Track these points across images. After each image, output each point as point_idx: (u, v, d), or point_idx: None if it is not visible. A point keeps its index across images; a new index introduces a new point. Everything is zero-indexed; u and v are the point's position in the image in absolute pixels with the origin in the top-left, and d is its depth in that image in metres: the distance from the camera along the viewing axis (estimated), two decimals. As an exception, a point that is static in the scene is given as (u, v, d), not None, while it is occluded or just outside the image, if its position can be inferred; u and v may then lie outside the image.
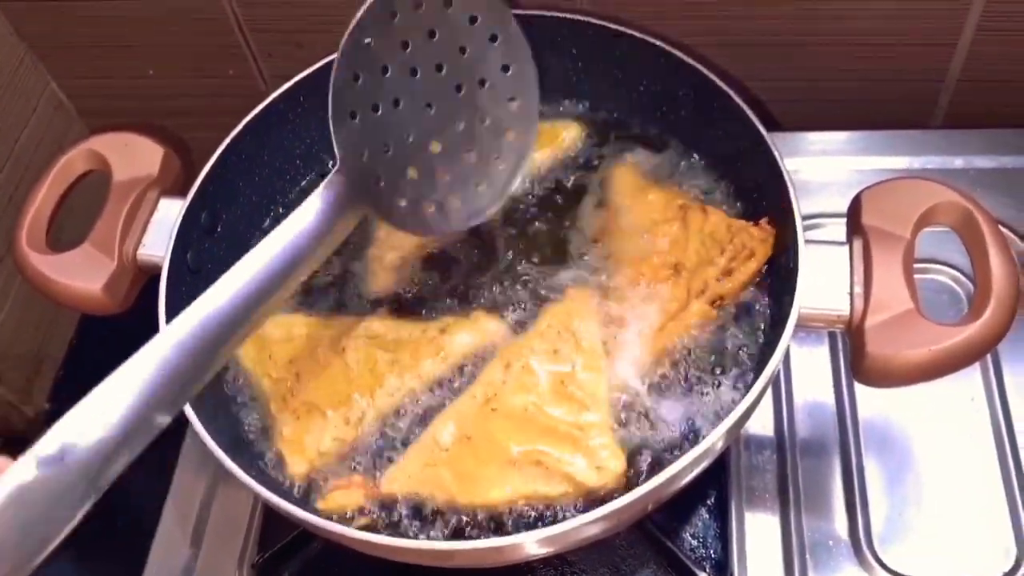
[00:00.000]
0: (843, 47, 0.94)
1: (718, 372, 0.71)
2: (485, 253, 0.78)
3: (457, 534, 0.66)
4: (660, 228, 0.75)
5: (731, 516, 0.76)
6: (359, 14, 0.59)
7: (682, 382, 0.71)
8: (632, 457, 0.68)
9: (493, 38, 0.66)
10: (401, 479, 0.68)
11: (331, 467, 0.70)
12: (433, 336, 0.73)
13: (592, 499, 0.66)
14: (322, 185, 0.59)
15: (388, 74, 0.62)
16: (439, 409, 0.70)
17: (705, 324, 0.72)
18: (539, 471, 0.67)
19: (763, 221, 0.74)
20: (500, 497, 0.67)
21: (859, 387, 0.81)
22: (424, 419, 0.70)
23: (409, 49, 0.62)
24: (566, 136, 0.84)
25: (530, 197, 0.81)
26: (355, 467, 0.70)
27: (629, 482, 0.66)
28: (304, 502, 0.69)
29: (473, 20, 0.64)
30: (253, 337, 0.71)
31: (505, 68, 0.67)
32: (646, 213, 0.77)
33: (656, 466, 0.67)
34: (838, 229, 0.72)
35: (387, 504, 0.68)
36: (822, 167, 0.95)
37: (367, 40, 0.60)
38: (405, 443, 0.70)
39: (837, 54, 0.94)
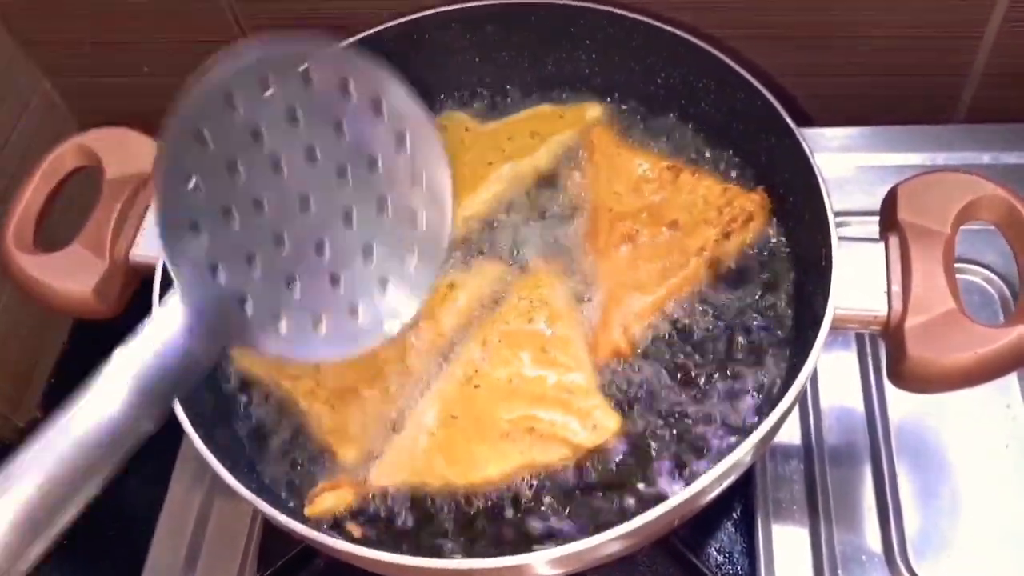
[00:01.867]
0: (866, 40, 0.91)
1: (744, 378, 0.68)
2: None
3: (465, 527, 0.64)
4: (649, 186, 0.73)
5: (758, 530, 0.73)
6: (182, 102, 0.49)
7: (702, 384, 0.68)
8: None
9: (375, 107, 0.53)
10: (390, 471, 0.65)
11: (380, 442, 0.67)
12: (444, 293, 0.71)
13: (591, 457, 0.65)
14: (159, 312, 0.50)
15: (238, 172, 0.51)
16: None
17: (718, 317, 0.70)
18: (533, 439, 0.64)
19: (759, 189, 0.72)
20: (498, 471, 0.64)
21: (890, 392, 0.78)
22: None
23: (264, 138, 0.52)
24: (590, 116, 0.81)
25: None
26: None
27: (630, 437, 0.65)
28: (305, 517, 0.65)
29: (344, 88, 0.52)
30: None
31: (399, 140, 0.54)
32: (633, 172, 0.75)
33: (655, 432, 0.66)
34: (862, 227, 0.69)
35: (382, 502, 0.65)
36: (843, 163, 0.93)
37: (200, 131, 0.50)
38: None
39: (859, 48, 0.91)
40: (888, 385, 0.75)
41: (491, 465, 0.64)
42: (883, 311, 0.62)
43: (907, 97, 0.96)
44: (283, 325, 0.53)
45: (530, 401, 0.66)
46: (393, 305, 0.55)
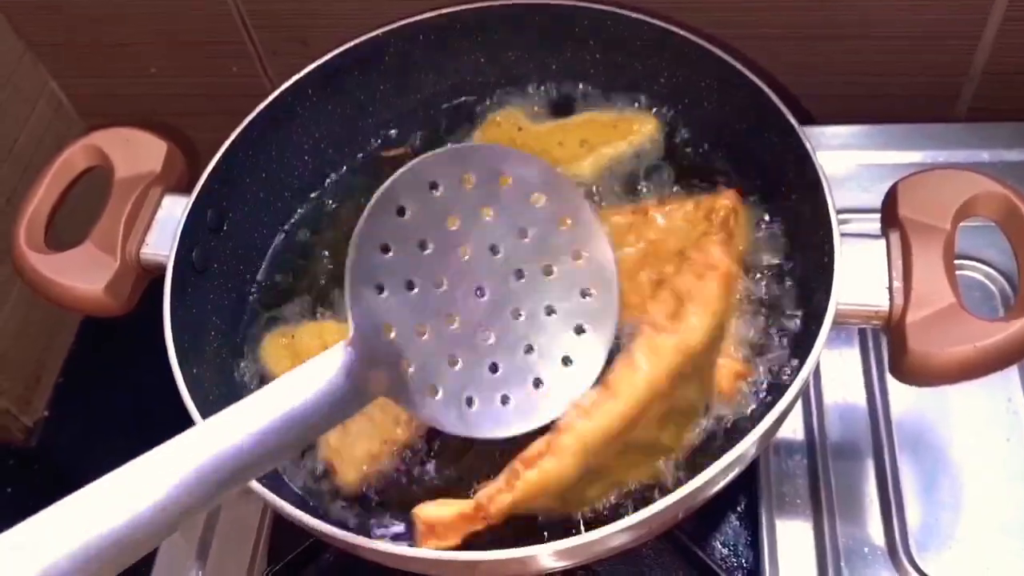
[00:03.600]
0: (864, 39, 0.91)
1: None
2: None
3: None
4: (632, 236, 0.72)
5: (762, 523, 0.73)
6: (395, 176, 0.55)
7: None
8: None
9: (562, 221, 0.60)
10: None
11: (382, 471, 0.68)
12: None
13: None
14: (329, 351, 0.53)
15: (427, 251, 0.57)
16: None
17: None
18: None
19: (721, 187, 0.73)
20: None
21: (892, 387, 0.79)
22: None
23: (456, 224, 0.58)
24: (642, 128, 0.80)
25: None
26: (403, 472, 0.67)
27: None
28: (316, 510, 0.66)
29: (533, 198, 0.59)
30: (284, 349, 0.73)
31: (576, 256, 0.61)
32: (610, 231, 0.70)
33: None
34: (864, 225, 0.70)
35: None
36: (843, 161, 0.93)
37: (402, 204, 0.56)
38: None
39: (857, 46, 0.92)
40: (890, 380, 0.77)
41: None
42: (885, 306, 0.63)
43: (907, 96, 0.96)
44: (437, 394, 0.59)
45: None
46: (536, 404, 0.61)
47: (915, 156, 0.92)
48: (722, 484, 0.60)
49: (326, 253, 0.79)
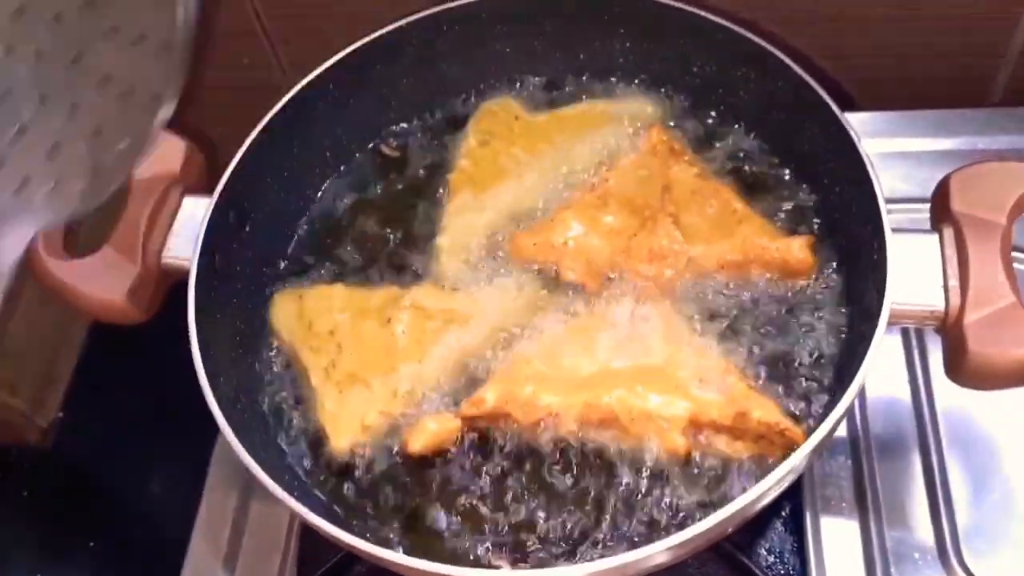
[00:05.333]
0: (898, 23, 0.88)
1: (796, 378, 0.66)
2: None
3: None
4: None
5: (807, 528, 0.71)
6: None
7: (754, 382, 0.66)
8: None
9: None
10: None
11: (378, 441, 0.67)
12: (483, 303, 0.71)
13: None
14: None
15: None
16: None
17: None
18: None
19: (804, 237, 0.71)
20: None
21: (937, 383, 0.76)
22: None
23: None
24: (642, 114, 0.79)
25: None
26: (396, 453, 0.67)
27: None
28: (344, 522, 0.64)
29: None
30: (292, 307, 0.72)
31: None
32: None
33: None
34: (899, 216, 0.66)
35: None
36: (876, 149, 0.89)
37: None
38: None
39: (890, 28, 0.89)
40: (936, 375, 0.76)
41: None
42: (940, 306, 0.60)
43: (941, 79, 0.93)
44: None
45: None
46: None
47: (951, 143, 0.89)
48: (771, 497, 0.58)
49: (349, 248, 0.77)
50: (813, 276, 0.69)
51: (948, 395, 0.76)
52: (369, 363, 0.69)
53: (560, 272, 0.72)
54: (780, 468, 0.55)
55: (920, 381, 0.77)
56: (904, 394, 0.77)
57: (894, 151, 0.90)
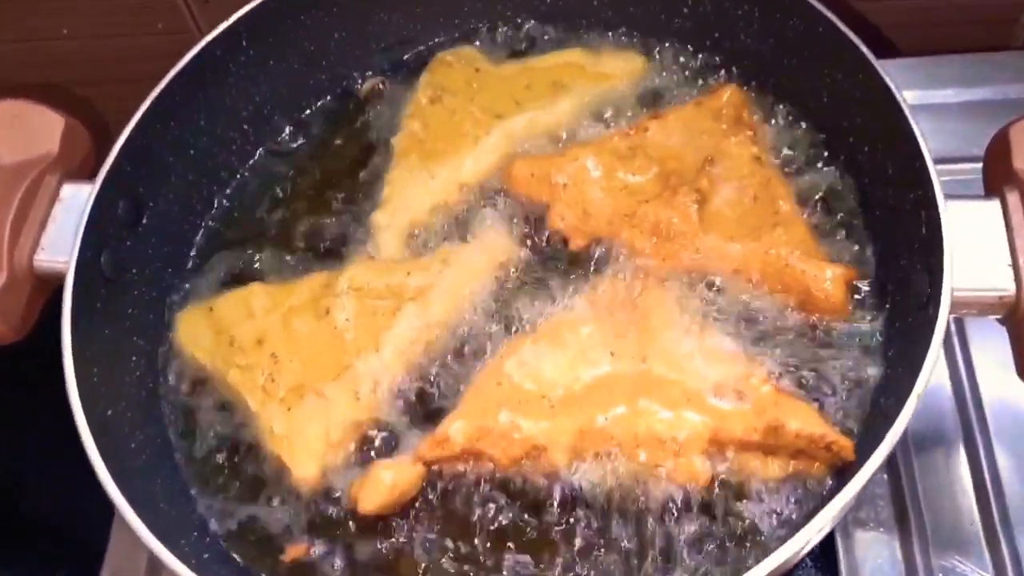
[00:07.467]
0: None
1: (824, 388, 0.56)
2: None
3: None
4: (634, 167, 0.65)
5: (840, 562, 0.61)
6: None
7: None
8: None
9: None
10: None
11: (349, 458, 0.58)
12: (439, 269, 0.64)
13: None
14: None
15: None
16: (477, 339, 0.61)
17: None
18: None
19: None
20: None
21: (981, 370, 0.67)
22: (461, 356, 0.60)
23: None
24: (629, 67, 0.72)
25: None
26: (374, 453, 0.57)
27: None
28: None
29: None
30: (203, 323, 0.63)
31: None
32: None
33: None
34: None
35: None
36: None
37: None
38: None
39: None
40: (979, 361, 0.67)
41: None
42: (1011, 290, 0.51)
43: (958, 23, 0.85)
44: None
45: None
46: None
47: (981, 92, 0.80)
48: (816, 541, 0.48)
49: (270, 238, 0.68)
50: (840, 319, 0.58)
51: (994, 385, 0.67)
52: (315, 368, 0.61)
53: (549, 216, 0.64)
54: (818, 518, 0.46)
55: (962, 371, 0.68)
56: (944, 384, 0.68)
57: (915, 104, 0.78)
